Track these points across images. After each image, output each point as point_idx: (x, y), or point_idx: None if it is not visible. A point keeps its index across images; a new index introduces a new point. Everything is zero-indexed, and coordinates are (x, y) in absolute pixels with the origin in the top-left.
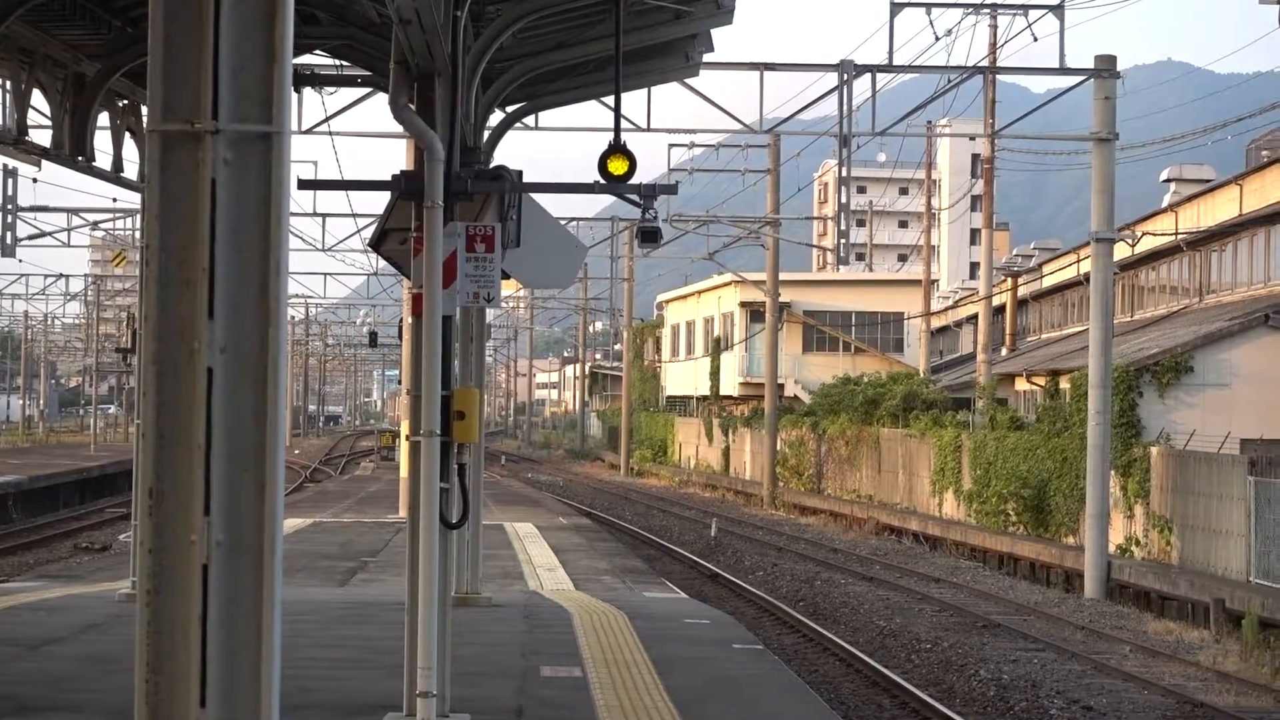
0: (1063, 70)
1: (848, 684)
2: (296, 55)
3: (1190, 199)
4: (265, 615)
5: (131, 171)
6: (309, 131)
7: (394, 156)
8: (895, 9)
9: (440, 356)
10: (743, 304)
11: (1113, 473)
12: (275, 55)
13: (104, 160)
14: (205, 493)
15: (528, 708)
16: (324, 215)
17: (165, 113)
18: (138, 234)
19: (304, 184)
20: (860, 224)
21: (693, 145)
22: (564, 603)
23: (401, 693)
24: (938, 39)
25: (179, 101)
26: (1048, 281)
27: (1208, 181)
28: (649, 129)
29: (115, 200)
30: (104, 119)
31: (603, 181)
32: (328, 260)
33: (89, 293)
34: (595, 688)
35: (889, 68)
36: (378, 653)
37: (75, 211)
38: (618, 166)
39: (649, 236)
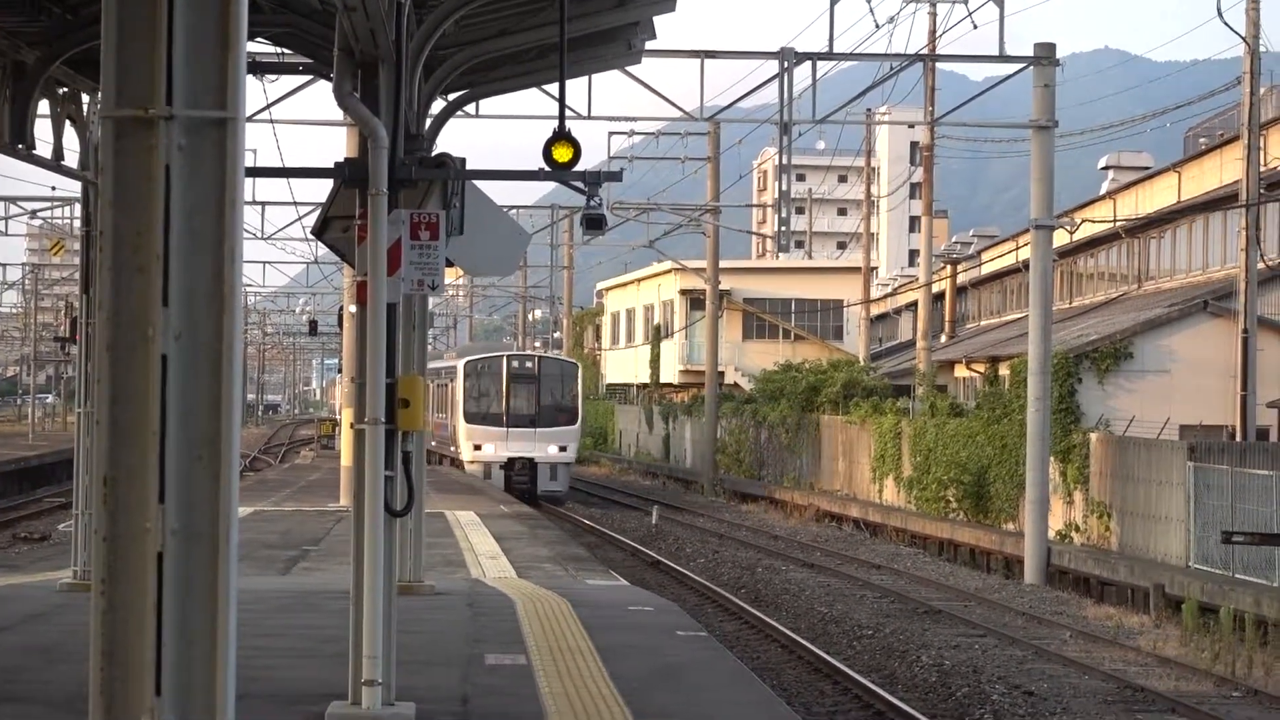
0: (1002, 58)
1: (790, 670)
2: None
3: (1128, 186)
4: (220, 603)
5: (72, 160)
6: (250, 119)
7: (335, 144)
8: None
9: (385, 344)
10: (683, 291)
11: (1052, 459)
12: (229, 41)
13: (44, 148)
14: (160, 480)
15: (473, 696)
16: (263, 203)
17: (119, 99)
18: (77, 222)
19: (246, 171)
20: (800, 211)
21: (633, 133)
22: (507, 590)
23: (346, 681)
24: (878, 27)
25: (132, 87)
26: (987, 269)
27: (1146, 169)
28: (590, 117)
29: (54, 189)
30: (44, 107)
31: (547, 168)
32: (267, 248)
33: (26, 282)
34: (540, 675)
35: (829, 55)
36: (321, 641)
37: (12, 200)
38: (562, 153)
39: (594, 224)
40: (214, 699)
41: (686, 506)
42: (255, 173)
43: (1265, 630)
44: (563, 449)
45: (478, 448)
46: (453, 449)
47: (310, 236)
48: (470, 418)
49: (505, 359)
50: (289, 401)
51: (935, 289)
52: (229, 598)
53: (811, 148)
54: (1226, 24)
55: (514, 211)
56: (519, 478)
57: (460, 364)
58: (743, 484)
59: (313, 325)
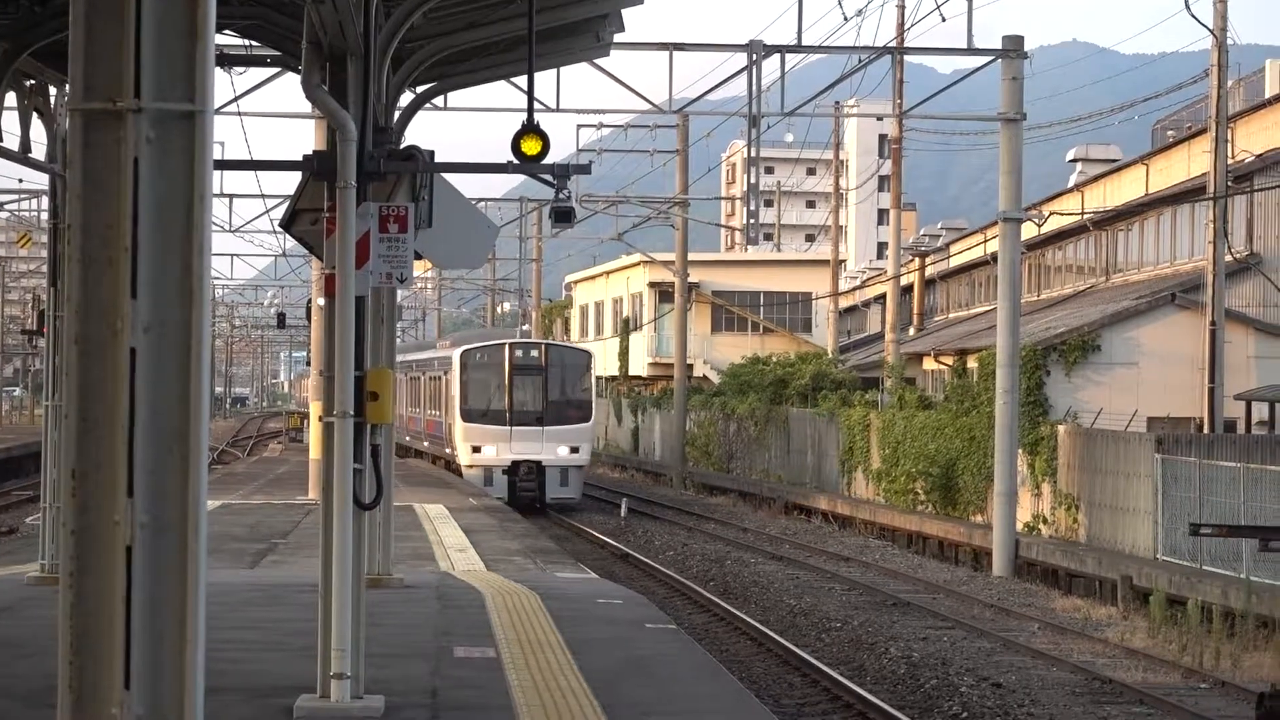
0: (971, 51)
1: (759, 663)
2: None
3: (1096, 179)
4: (189, 596)
5: (39, 152)
6: (218, 112)
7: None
8: None
9: (353, 337)
10: (651, 284)
11: (1020, 451)
12: (197, 33)
13: (11, 141)
14: (129, 474)
15: (442, 688)
16: (230, 196)
17: (87, 92)
18: (44, 215)
19: (214, 164)
20: (768, 204)
21: (601, 126)
22: (476, 583)
23: (315, 674)
24: (846, 20)
25: (101, 80)
26: (955, 261)
27: (1114, 161)
28: (558, 109)
29: (21, 181)
30: (11, 99)
31: (516, 161)
32: (235, 241)
33: None
34: (509, 668)
35: (798, 48)
36: (290, 635)
37: None
38: (531, 146)
39: (563, 216)
40: (183, 692)
41: (655, 499)
42: (223, 165)
43: (1233, 622)
44: (574, 450)
45: (476, 450)
46: (448, 450)
47: (278, 229)
48: (468, 415)
49: (507, 348)
50: (257, 394)
51: (904, 281)
52: (198, 591)
53: (780, 140)
54: (1194, 17)
55: (483, 204)
56: (524, 484)
57: (456, 354)
58: (712, 476)
59: (281, 318)
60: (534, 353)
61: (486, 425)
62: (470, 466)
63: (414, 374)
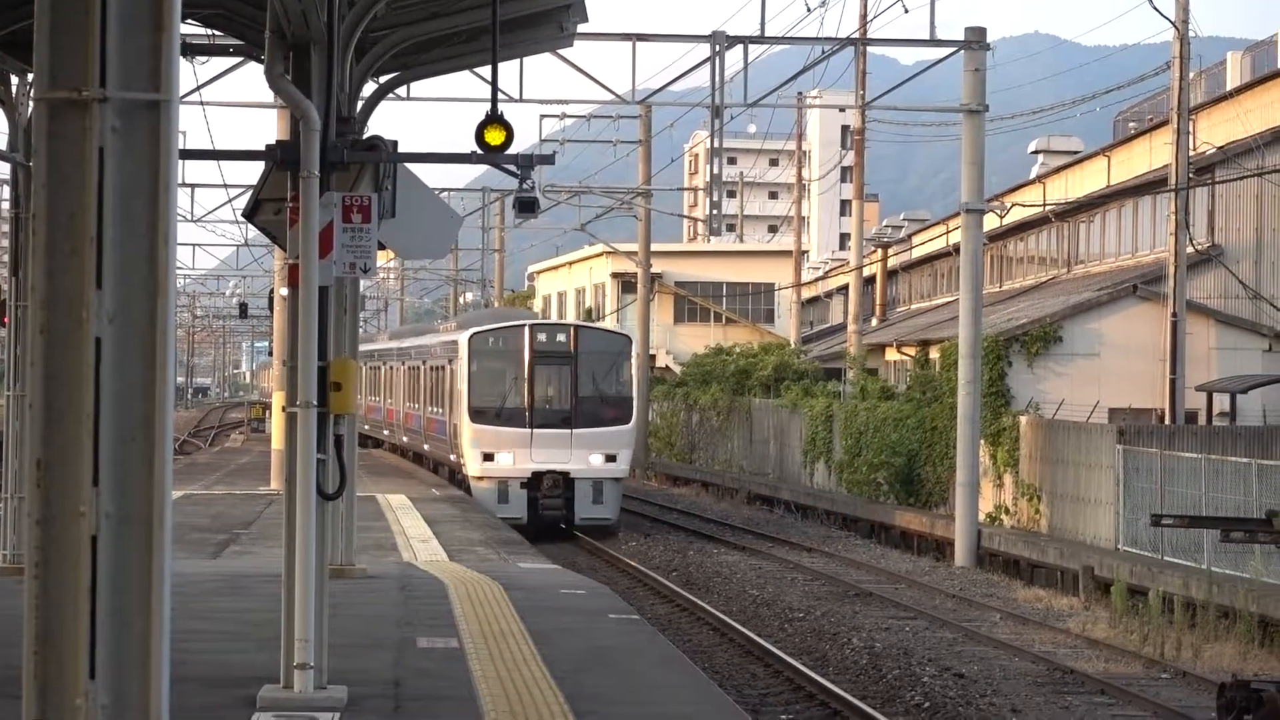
0: (933, 42)
1: (722, 653)
2: None
3: (1058, 170)
4: (155, 586)
5: (1, 142)
6: (180, 101)
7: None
8: None
9: (316, 327)
10: (614, 275)
11: (982, 442)
12: (162, 23)
13: None
14: (94, 464)
15: (405, 679)
16: (193, 186)
17: (53, 81)
18: (4, 204)
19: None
20: (731, 195)
21: (564, 116)
22: (439, 574)
23: (278, 664)
24: (809, 11)
25: (66, 69)
26: (917, 252)
27: (1075, 153)
28: (521, 100)
29: None
30: None
31: (480, 151)
32: (197, 231)
33: None
34: (472, 658)
35: (761, 39)
36: (253, 625)
37: None
38: (495, 137)
39: (526, 206)
40: (148, 682)
41: None
42: (187, 155)
43: (1194, 612)
44: (611, 459)
45: (489, 457)
46: (453, 457)
47: (241, 219)
48: (478, 414)
49: (527, 330)
50: (219, 385)
51: (866, 272)
52: (163, 581)
53: (743, 131)
54: (1156, 9)
55: (446, 194)
56: (549, 501)
57: (463, 338)
58: (674, 467)
59: (243, 308)
60: (561, 336)
61: (501, 427)
62: (480, 479)
63: (412, 362)
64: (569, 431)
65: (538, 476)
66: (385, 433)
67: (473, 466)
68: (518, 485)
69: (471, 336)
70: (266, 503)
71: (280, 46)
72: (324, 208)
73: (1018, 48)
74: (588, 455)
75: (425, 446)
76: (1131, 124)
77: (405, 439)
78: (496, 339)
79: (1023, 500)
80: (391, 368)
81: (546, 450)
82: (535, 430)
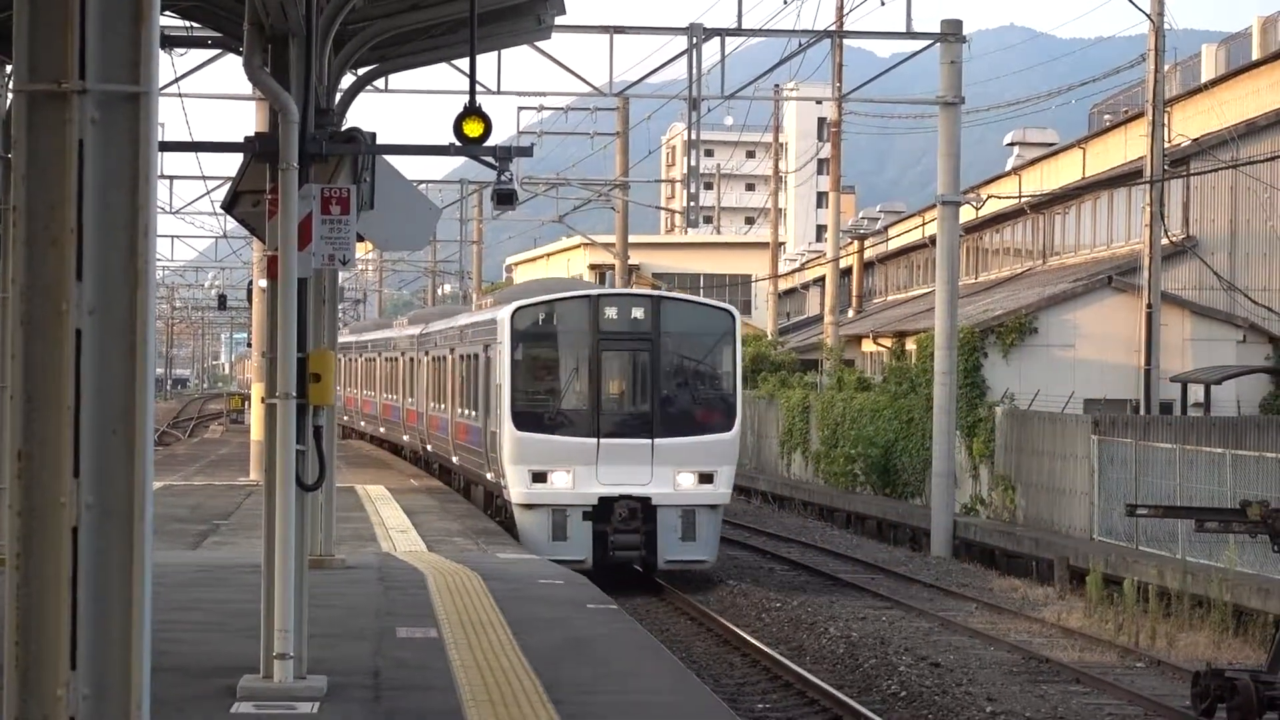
0: (910, 34)
1: (699, 643)
2: None
3: (1034, 162)
4: (135, 577)
5: None
6: (159, 93)
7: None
8: None
9: (295, 319)
10: (592, 266)
11: (958, 433)
12: (142, 15)
13: None
14: (75, 455)
15: (384, 669)
16: (171, 178)
17: (32, 73)
18: None
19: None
20: (708, 187)
21: (542, 108)
22: (418, 564)
23: (258, 655)
24: (786, 3)
25: (46, 61)
26: (893, 244)
27: (1051, 145)
28: (499, 92)
29: None
30: None
31: (458, 144)
32: (176, 223)
33: None
34: (451, 648)
35: (738, 31)
36: (233, 615)
37: None
38: (473, 129)
39: (505, 198)
40: (129, 672)
41: None
42: (165, 147)
43: (1168, 602)
44: (706, 479)
45: (539, 478)
46: (489, 475)
47: (219, 211)
48: (524, 420)
49: (594, 302)
50: (197, 376)
51: (843, 264)
52: (144, 572)
53: (720, 123)
54: (1132, 2)
55: (424, 186)
56: (622, 536)
57: (504, 315)
58: None
59: (222, 300)
60: (638, 311)
61: (556, 436)
62: (528, 506)
63: (437, 351)
64: (649, 442)
65: (606, 504)
66: (405, 438)
67: (517, 489)
68: (579, 516)
69: (516, 313)
70: (246, 494)
71: (259, 39)
72: (303, 199)
73: (994, 40)
74: (675, 474)
75: (455, 459)
76: (1107, 116)
77: (430, 447)
78: (549, 316)
79: (998, 490)
80: (412, 360)
81: (619, 468)
82: (603, 440)
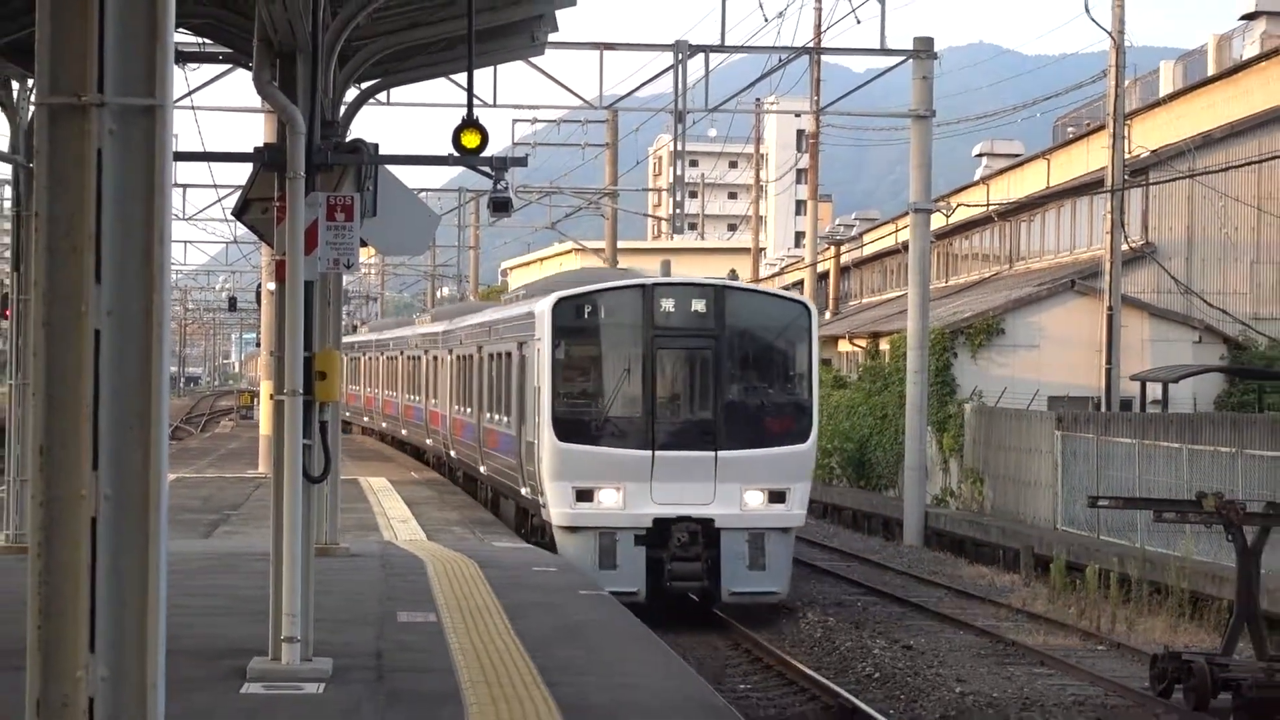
0: (884, 51)
1: (685, 628)
2: None
3: (1001, 172)
4: (151, 565)
5: (3, 144)
6: (173, 106)
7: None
8: None
9: (302, 320)
10: None
11: (930, 429)
12: (157, 32)
13: None
14: (94, 449)
15: (386, 651)
16: (184, 186)
17: (53, 87)
18: (6, 203)
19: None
20: (693, 195)
21: (536, 121)
22: (418, 552)
23: (267, 638)
24: (767, 21)
25: (66, 76)
26: (868, 250)
27: (1017, 156)
28: (495, 105)
29: None
30: None
31: (456, 154)
32: (189, 228)
33: None
34: (450, 632)
35: (721, 48)
36: (242, 601)
37: None
38: (470, 140)
39: (500, 206)
40: (145, 655)
41: None
42: (179, 157)
43: (1128, 588)
44: (777, 497)
45: (584, 496)
46: (525, 490)
47: (230, 217)
48: (566, 429)
49: (648, 292)
50: (209, 374)
51: (820, 269)
52: (159, 560)
53: (704, 135)
54: (1094, 20)
55: (424, 194)
56: (681, 564)
57: (545, 307)
58: None
59: (232, 301)
60: (699, 304)
61: (602, 448)
62: (570, 529)
63: (464, 349)
64: (712, 454)
65: (662, 526)
66: (428, 441)
67: (558, 509)
68: (630, 540)
69: (557, 304)
70: (255, 485)
71: (267, 54)
72: (309, 207)
73: (964, 57)
74: (742, 492)
75: (482, 469)
76: (1070, 129)
77: (454, 453)
78: (596, 308)
79: (967, 483)
80: (435, 358)
81: (676, 485)
82: (658, 453)
